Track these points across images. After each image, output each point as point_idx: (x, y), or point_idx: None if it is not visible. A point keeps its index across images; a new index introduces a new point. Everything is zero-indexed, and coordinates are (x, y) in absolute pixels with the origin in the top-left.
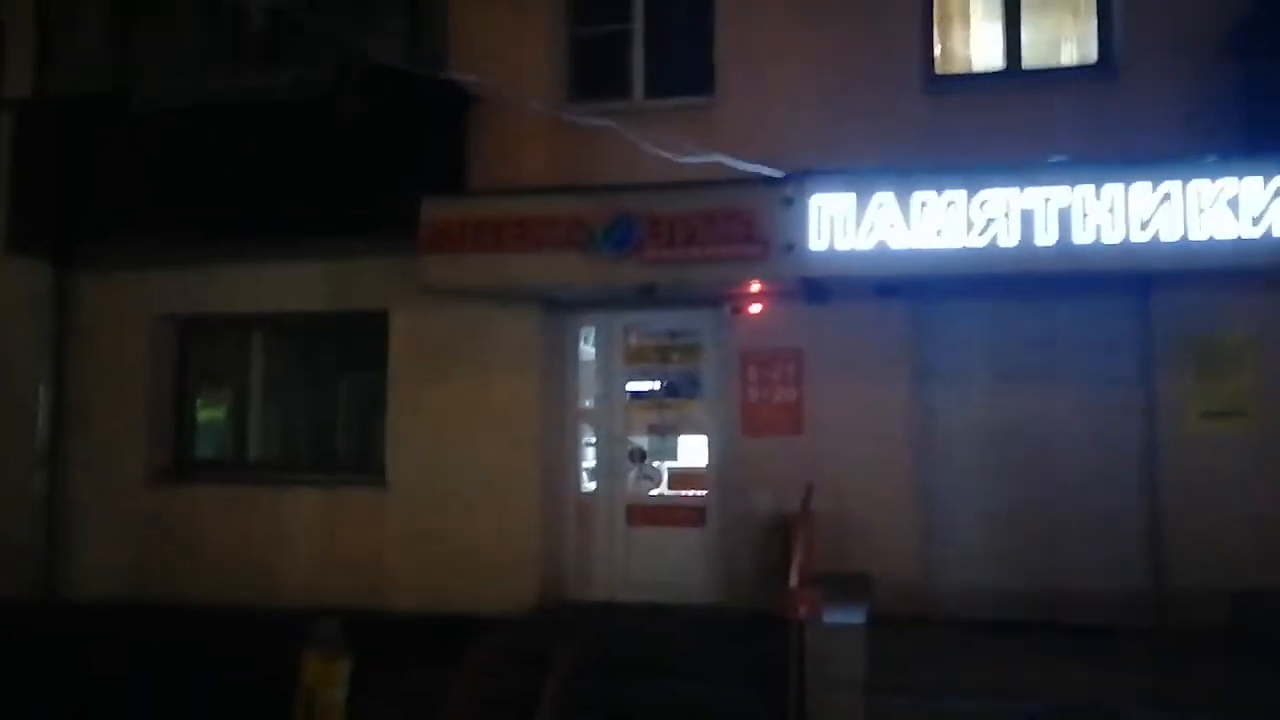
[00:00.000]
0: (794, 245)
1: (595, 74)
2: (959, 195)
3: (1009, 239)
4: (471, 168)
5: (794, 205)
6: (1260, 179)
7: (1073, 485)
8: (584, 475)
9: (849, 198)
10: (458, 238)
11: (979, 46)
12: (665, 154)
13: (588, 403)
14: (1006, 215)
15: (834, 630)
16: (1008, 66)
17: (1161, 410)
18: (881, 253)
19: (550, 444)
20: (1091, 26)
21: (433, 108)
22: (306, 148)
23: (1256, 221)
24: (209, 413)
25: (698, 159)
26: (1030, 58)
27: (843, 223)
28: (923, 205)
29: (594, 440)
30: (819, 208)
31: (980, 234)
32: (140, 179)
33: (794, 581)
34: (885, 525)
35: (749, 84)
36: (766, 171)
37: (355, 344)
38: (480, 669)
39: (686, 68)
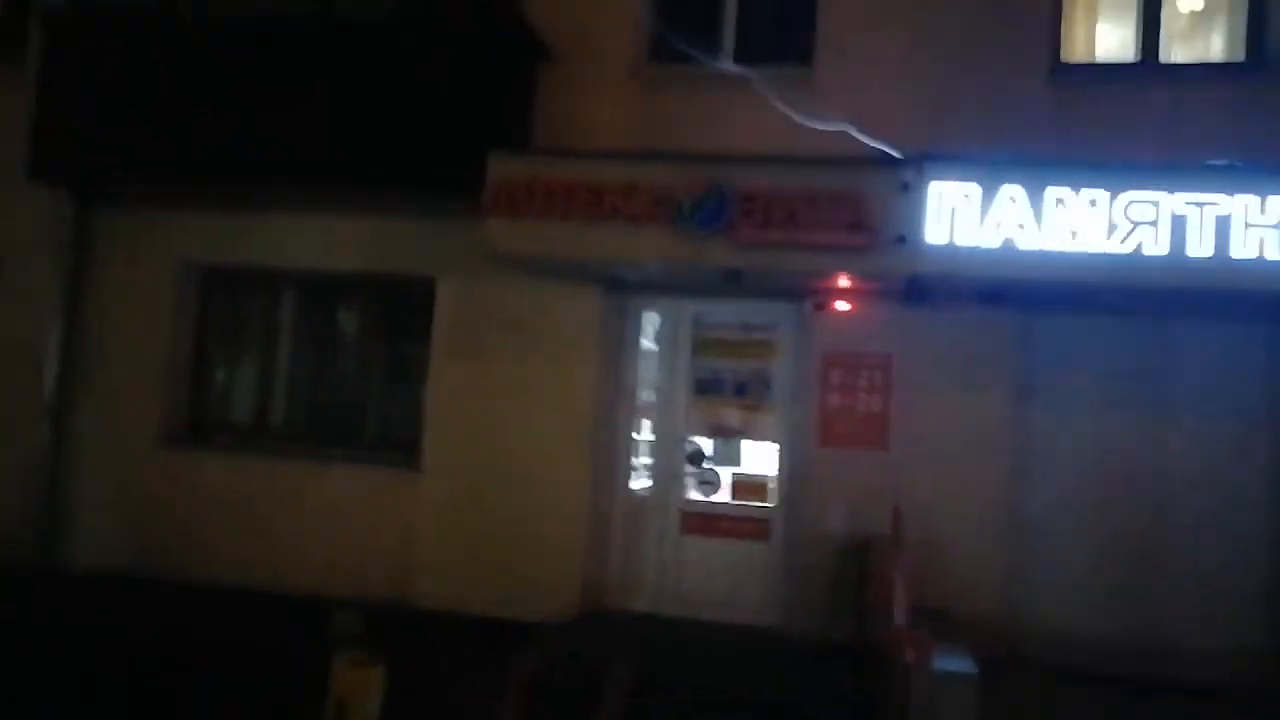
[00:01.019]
0: (906, 237)
1: (680, 35)
2: (1100, 195)
3: (1157, 248)
4: (539, 128)
5: (910, 192)
6: None
7: (1184, 528)
8: (637, 474)
9: (973, 188)
10: (526, 201)
11: (1113, 35)
12: (790, 114)
13: (646, 396)
14: (1155, 221)
15: (944, 679)
16: (1143, 59)
17: None
18: (1008, 252)
19: (603, 438)
20: (1240, 20)
21: (502, 57)
22: (360, 89)
23: None
24: (230, 373)
25: (819, 124)
26: (1169, 51)
27: (965, 215)
28: (1058, 202)
29: (650, 437)
30: (939, 196)
31: (1124, 240)
32: (176, 109)
33: (899, 619)
34: (971, 556)
35: (852, 57)
36: (888, 150)
37: (396, 311)
38: (529, 688)
39: (783, 35)
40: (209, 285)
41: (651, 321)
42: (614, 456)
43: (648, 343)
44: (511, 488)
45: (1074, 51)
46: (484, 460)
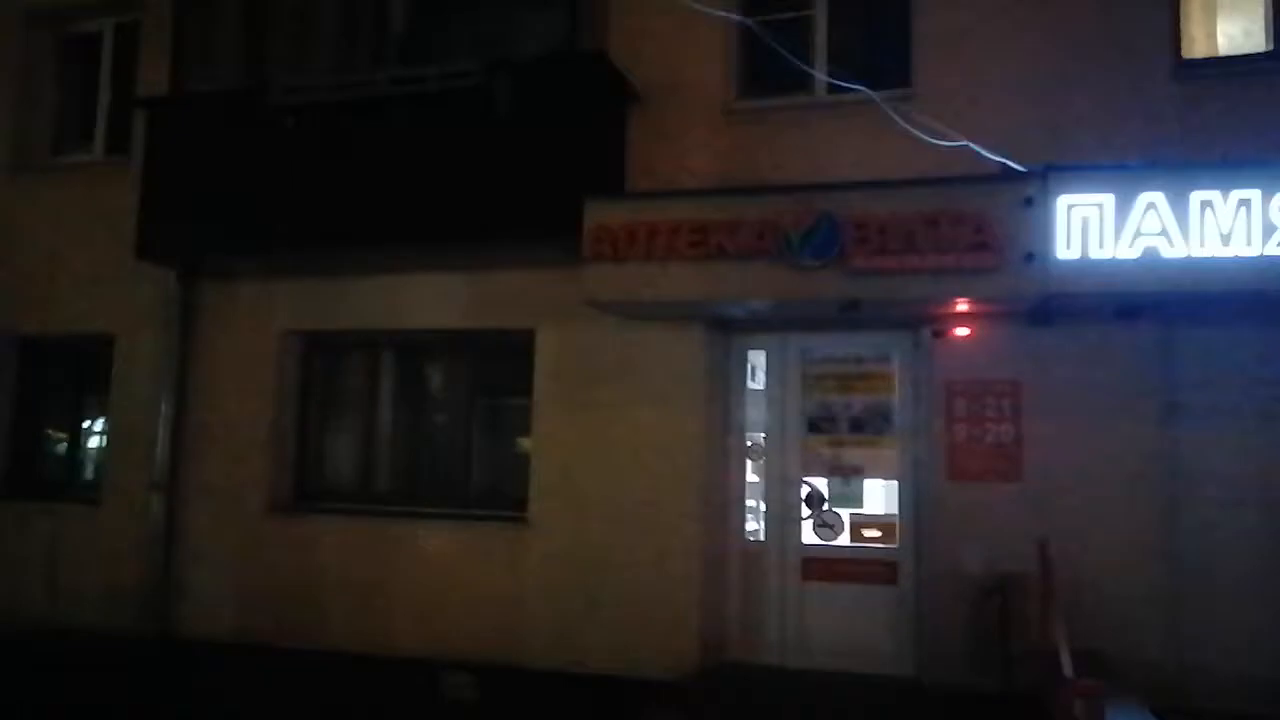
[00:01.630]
0: (1035, 254)
1: (771, 67)
2: (1253, 194)
3: None
4: (632, 171)
5: (1036, 206)
6: None
7: None
8: (752, 520)
9: (1106, 198)
10: (626, 245)
11: (1237, 26)
12: (920, 135)
13: (758, 438)
14: None
15: None
16: (1274, 49)
17: None
18: (1152, 263)
19: (714, 483)
20: None
21: (591, 103)
22: (451, 147)
23: None
24: (335, 438)
25: (938, 142)
26: None
27: (1099, 228)
28: (1204, 206)
29: (764, 481)
30: (1068, 209)
31: (1272, 242)
32: (273, 182)
33: (1066, 668)
34: (1122, 592)
35: (953, 75)
36: (1009, 164)
37: (496, 365)
38: None
39: (877, 58)
40: (310, 351)
41: (758, 359)
42: (727, 502)
43: (756, 383)
44: (621, 538)
45: (1196, 47)
46: (591, 511)
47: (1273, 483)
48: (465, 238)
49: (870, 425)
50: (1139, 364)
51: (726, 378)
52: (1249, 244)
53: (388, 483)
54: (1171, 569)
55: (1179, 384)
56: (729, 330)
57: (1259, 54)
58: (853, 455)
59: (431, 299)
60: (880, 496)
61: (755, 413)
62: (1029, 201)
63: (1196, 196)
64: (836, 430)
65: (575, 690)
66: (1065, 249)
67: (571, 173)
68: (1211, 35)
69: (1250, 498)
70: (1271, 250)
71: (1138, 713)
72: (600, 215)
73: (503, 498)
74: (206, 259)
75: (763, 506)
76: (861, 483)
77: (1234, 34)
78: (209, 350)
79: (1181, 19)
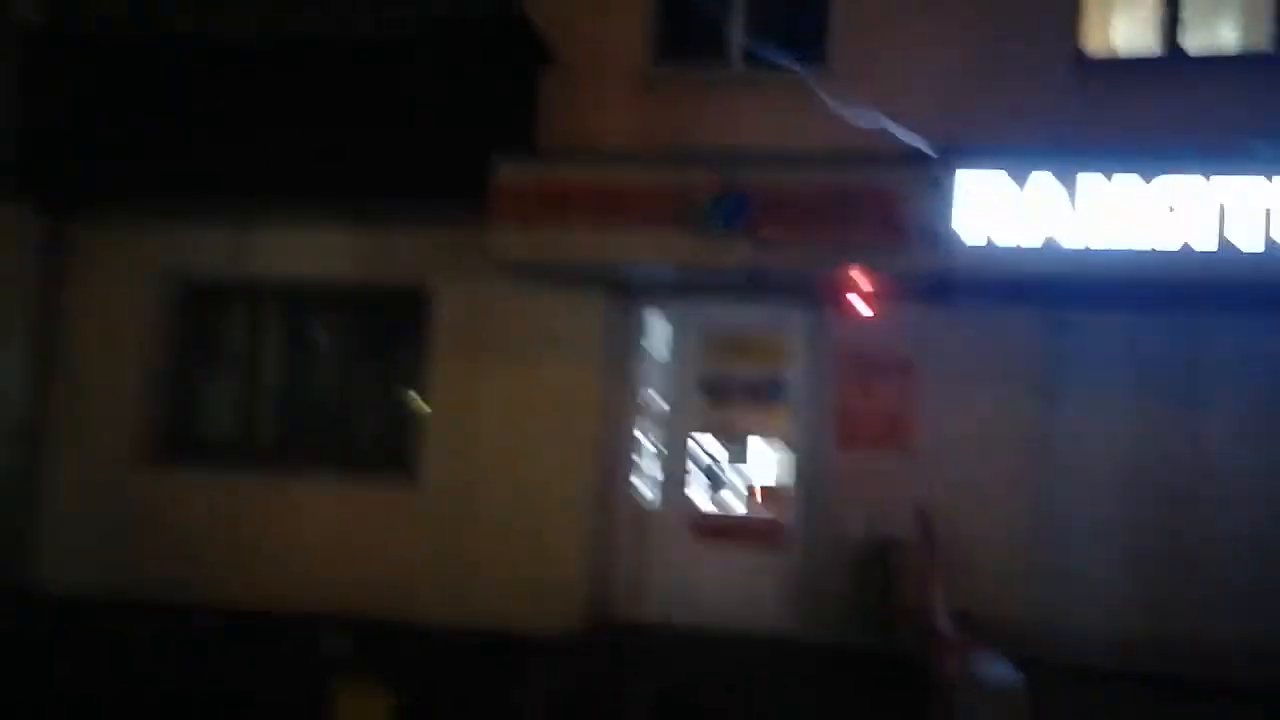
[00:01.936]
0: (939, 234)
1: (689, 36)
2: (1134, 183)
3: (1203, 240)
4: (544, 134)
5: (940, 187)
6: None
7: (1219, 528)
8: (645, 483)
9: (1007, 182)
10: (534, 206)
11: (1133, 26)
12: (835, 111)
13: (655, 402)
14: (1199, 210)
15: (991, 688)
16: (1165, 50)
17: None
18: (1047, 248)
19: (610, 446)
20: (1263, 11)
21: (504, 62)
22: (348, 97)
23: None
24: (216, 389)
25: (852, 119)
26: (1190, 42)
27: (999, 210)
28: (1094, 194)
29: (659, 444)
30: (971, 191)
31: (1164, 231)
32: (158, 123)
33: (943, 627)
34: (995, 557)
35: (867, 53)
36: (917, 144)
37: (388, 323)
38: (545, 710)
39: (794, 33)
40: (190, 297)
41: (659, 324)
42: (621, 464)
43: (655, 347)
44: (513, 498)
45: (1095, 40)
46: (483, 471)
47: (1139, 461)
48: (365, 191)
49: (766, 393)
50: (1024, 343)
51: (626, 342)
52: (1135, 233)
53: (272, 438)
54: (1039, 535)
55: (1059, 364)
56: (631, 294)
57: (1153, 56)
58: (748, 422)
59: (324, 251)
60: (772, 463)
61: (654, 377)
62: (935, 182)
63: (1087, 184)
64: (732, 397)
65: (462, 647)
66: (967, 230)
67: (480, 131)
68: (1109, 31)
69: (1118, 474)
70: (1155, 241)
71: (1004, 666)
72: (511, 175)
73: (393, 456)
74: (83, 197)
75: (657, 470)
76: (755, 448)
77: (1129, 31)
78: (79, 292)
79: (1081, 14)
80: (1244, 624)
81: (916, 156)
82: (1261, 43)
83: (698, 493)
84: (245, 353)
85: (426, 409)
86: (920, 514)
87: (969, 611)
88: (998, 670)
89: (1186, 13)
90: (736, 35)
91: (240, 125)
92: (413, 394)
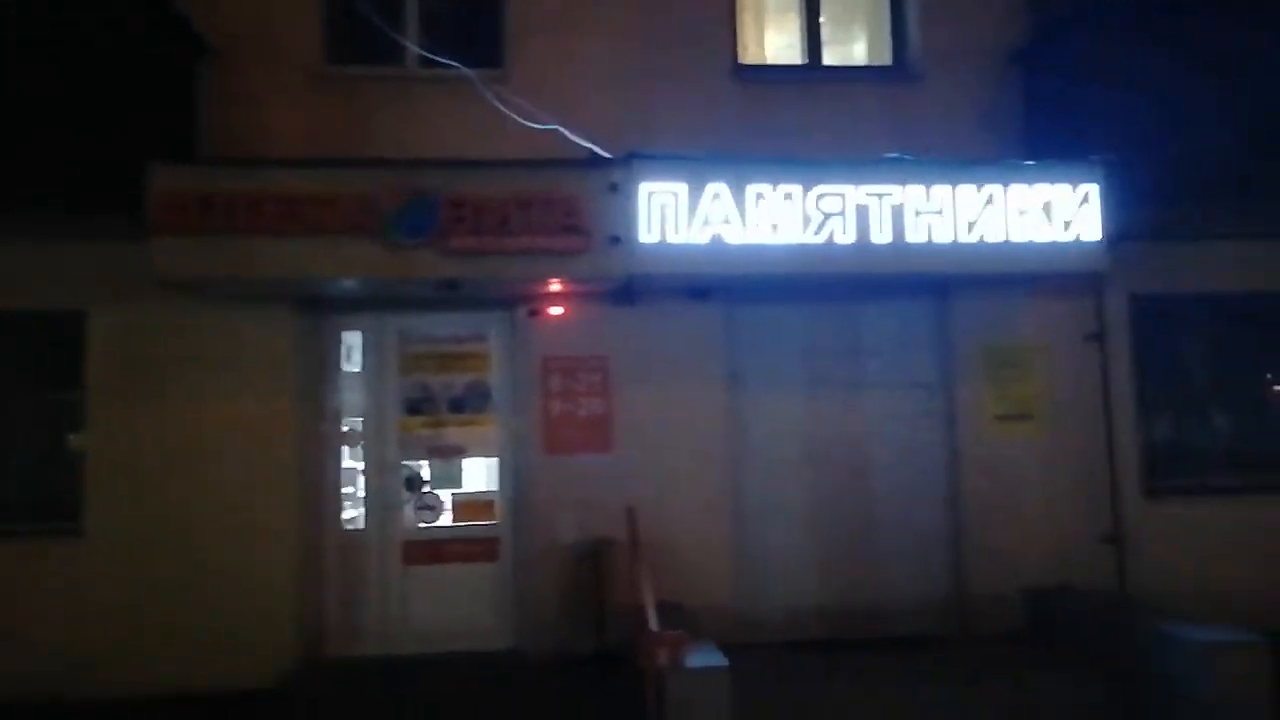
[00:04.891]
0: (620, 237)
1: (364, 33)
2: (795, 189)
3: (846, 236)
4: (210, 137)
5: (620, 192)
6: (1068, 184)
7: (882, 496)
8: (351, 508)
9: (680, 187)
10: (201, 215)
11: (782, 40)
12: (516, 117)
13: (355, 422)
14: (843, 212)
15: (696, 676)
16: (809, 62)
17: (960, 416)
18: (718, 248)
19: (308, 473)
20: (887, 30)
21: (151, 54)
22: None
23: (1068, 226)
24: None
25: (532, 125)
26: (830, 55)
27: (674, 214)
28: (758, 198)
29: (363, 466)
30: (649, 196)
31: (818, 231)
32: None
33: (652, 623)
34: (698, 547)
35: (542, 58)
36: (596, 150)
37: (39, 353)
38: None
39: (471, 35)
40: None
41: (354, 340)
42: (322, 491)
43: (352, 365)
44: (201, 542)
45: (752, 54)
46: (162, 515)
47: (813, 443)
48: (8, 203)
49: (470, 404)
50: (708, 338)
51: (320, 360)
52: (793, 232)
53: None
54: (736, 522)
55: (741, 356)
56: (322, 310)
57: (800, 66)
58: (454, 435)
59: None
60: (481, 475)
61: (352, 396)
62: (614, 187)
63: (752, 189)
64: (437, 411)
65: (157, 716)
66: (646, 233)
67: (130, 133)
68: (762, 44)
69: (796, 456)
70: (810, 238)
71: (712, 654)
72: (169, 183)
73: (51, 507)
74: None
75: (361, 493)
76: (463, 462)
77: (779, 45)
78: None
79: (738, 26)
80: (908, 585)
81: (595, 162)
82: (886, 58)
83: (408, 514)
84: None
85: (86, 449)
86: (628, 512)
87: (676, 604)
88: (702, 658)
89: (826, 29)
90: (411, 34)
91: None
92: (74, 434)
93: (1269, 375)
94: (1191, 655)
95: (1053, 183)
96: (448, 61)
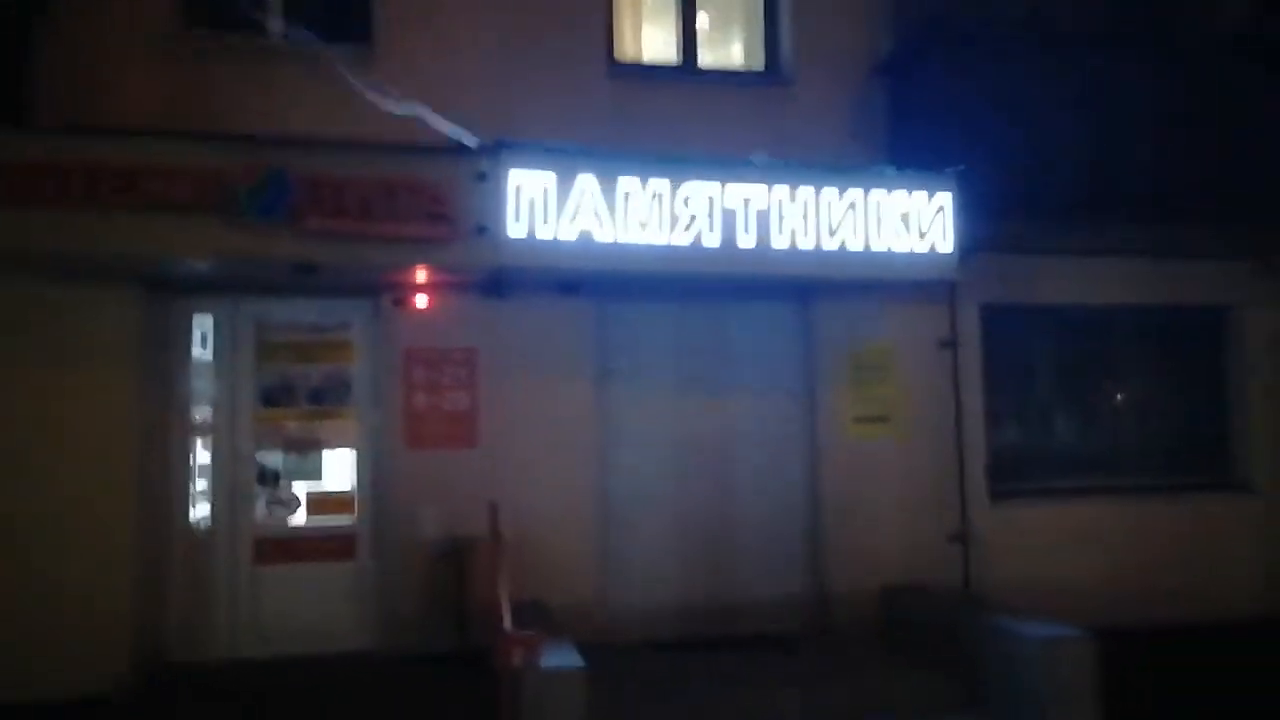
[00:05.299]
0: (487, 228)
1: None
2: (663, 186)
3: (712, 238)
4: (49, 101)
5: (488, 181)
6: (925, 194)
7: (746, 496)
8: (199, 505)
9: (550, 179)
10: (29, 187)
11: (657, 39)
12: (377, 99)
13: (206, 414)
14: (710, 213)
15: (551, 677)
16: (684, 62)
17: (821, 417)
18: (586, 244)
19: (151, 468)
20: (760, 35)
21: None
22: None
23: (923, 235)
24: None
25: (393, 107)
26: (706, 56)
27: (543, 207)
28: (626, 195)
29: (213, 461)
30: (518, 188)
31: (685, 230)
32: None
33: (507, 622)
34: (563, 545)
35: (414, 40)
36: (462, 137)
37: None
38: None
39: (341, 12)
40: None
41: (206, 326)
42: (168, 487)
43: (204, 352)
44: (26, 549)
45: (627, 52)
46: None
47: (679, 442)
48: None
49: (331, 396)
50: (578, 334)
51: (168, 347)
52: (660, 230)
53: None
54: (601, 520)
55: (611, 352)
56: (171, 293)
57: (674, 66)
58: (312, 428)
59: None
60: (341, 469)
61: (203, 386)
62: (482, 176)
63: (622, 185)
64: (295, 403)
65: None
66: (514, 224)
67: None
68: (638, 42)
69: (663, 455)
70: (677, 238)
71: (568, 654)
72: None
73: None
74: None
75: (211, 489)
76: (321, 456)
77: (657, 42)
78: None
79: (616, 22)
80: (771, 584)
81: (464, 149)
82: (760, 63)
83: (260, 510)
84: None
85: None
86: (490, 508)
87: (539, 601)
88: (558, 658)
89: (702, 30)
90: (275, 5)
91: None
92: None
93: (1109, 384)
94: (1025, 649)
95: (910, 191)
96: (311, 36)
